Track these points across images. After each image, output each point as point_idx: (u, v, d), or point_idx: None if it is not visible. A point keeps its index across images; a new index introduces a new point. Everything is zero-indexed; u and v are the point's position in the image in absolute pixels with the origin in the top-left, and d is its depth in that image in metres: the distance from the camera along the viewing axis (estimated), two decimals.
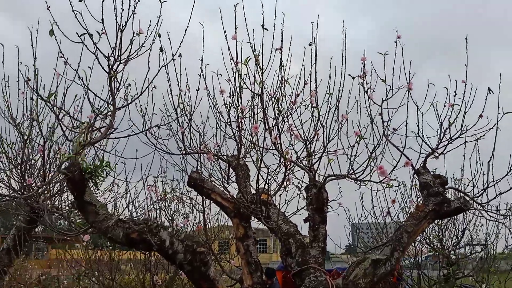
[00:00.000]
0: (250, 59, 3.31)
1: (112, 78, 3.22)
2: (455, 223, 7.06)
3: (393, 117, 4.20)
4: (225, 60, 4.32)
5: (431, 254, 7.71)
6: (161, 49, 4.04)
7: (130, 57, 3.45)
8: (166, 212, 7.28)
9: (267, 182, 3.18)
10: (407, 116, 3.62)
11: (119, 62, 3.31)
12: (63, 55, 3.06)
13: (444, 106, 3.79)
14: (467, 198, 4.12)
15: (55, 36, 2.98)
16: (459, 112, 3.82)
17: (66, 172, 2.70)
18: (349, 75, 4.22)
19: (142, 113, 4.29)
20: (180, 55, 4.62)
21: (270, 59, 3.95)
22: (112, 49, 3.13)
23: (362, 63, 3.82)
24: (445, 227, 6.99)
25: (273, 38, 4.02)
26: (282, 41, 4.28)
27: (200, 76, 4.55)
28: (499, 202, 5.07)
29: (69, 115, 3.20)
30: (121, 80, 3.27)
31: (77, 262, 7.43)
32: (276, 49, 4.15)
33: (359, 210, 5.70)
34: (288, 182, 3.19)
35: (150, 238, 2.89)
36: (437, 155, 3.75)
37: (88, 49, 3.27)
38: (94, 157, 4.27)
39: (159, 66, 3.50)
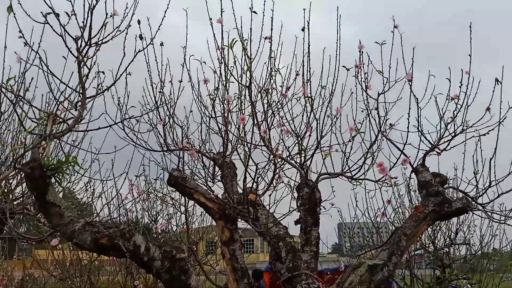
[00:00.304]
0: (236, 41, 2.97)
1: (82, 63, 2.86)
2: (447, 224, 6.84)
3: (391, 112, 3.93)
4: (210, 52, 4.02)
5: (417, 253, 7.47)
6: (140, 37, 3.69)
7: (102, 41, 3.10)
8: (149, 213, 6.93)
9: (256, 180, 2.86)
10: (409, 108, 3.32)
11: (89, 45, 2.95)
12: (23, 35, 2.70)
13: (446, 99, 3.50)
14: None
15: (14, 14, 2.61)
16: (461, 106, 3.55)
17: (23, 168, 2.34)
18: (344, 66, 3.93)
19: (120, 105, 3.92)
20: (161, 44, 4.31)
21: (259, 47, 3.65)
22: (81, 29, 2.77)
23: (359, 51, 3.52)
24: (438, 227, 6.76)
25: (263, 24, 3.72)
26: (271, 29, 3.99)
27: (183, 66, 4.22)
28: (494, 202, 4.85)
29: (30, 104, 2.84)
30: (91, 65, 2.91)
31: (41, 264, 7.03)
32: (266, 38, 3.85)
33: (352, 210, 5.40)
34: (279, 180, 2.86)
35: (122, 243, 2.54)
36: (439, 151, 3.45)
37: (54, 30, 2.90)
38: (68, 152, 3.90)
39: (136, 51, 3.14)
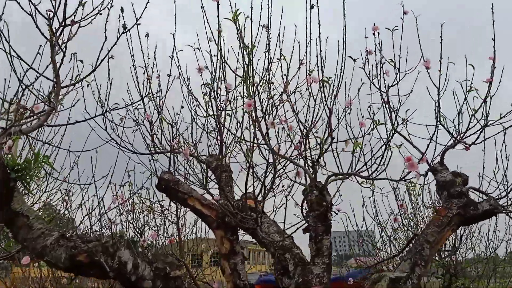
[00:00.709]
0: (240, 13, 2.55)
1: (55, 46, 2.41)
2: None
3: (403, 106, 3.57)
4: (201, 45, 3.62)
5: None
6: (124, 27, 3.26)
7: (80, 23, 2.66)
8: (135, 225, 6.41)
9: (264, 181, 2.41)
10: (438, 95, 2.94)
11: (64, 25, 2.51)
12: None
13: (469, 89, 3.13)
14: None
15: None
16: (485, 96, 3.18)
17: None
18: (350, 56, 3.56)
19: (101, 102, 3.45)
20: (147, 35, 3.90)
21: (257, 35, 3.25)
22: (53, 1, 2.33)
23: (373, 33, 3.14)
24: None
25: (261, 8, 3.32)
26: (269, 17, 3.62)
27: (171, 58, 3.79)
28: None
29: None
30: (65, 47, 2.45)
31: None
32: (263, 26, 3.46)
33: (361, 215, 4.99)
34: (298, 177, 2.42)
35: (105, 260, 2.08)
36: (467, 145, 3.07)
37: (22, 7, 2.46)
38: (38, 150, 3.40)
39: (119, 33, 2.71)
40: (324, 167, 2.82)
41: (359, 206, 5.70)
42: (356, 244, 5.66)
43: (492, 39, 3.18)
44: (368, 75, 3.55)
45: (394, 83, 3.45)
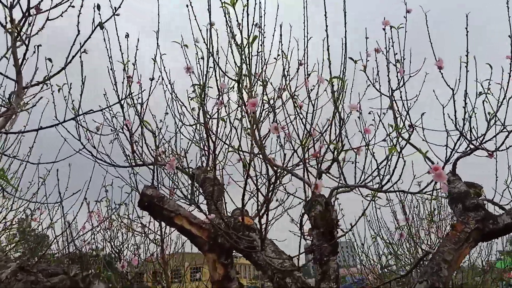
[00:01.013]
0: None
1: (17, 38, 2.02)
2: None
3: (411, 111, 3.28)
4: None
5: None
6: (100, 26, 2.89)
7: (48, 17, 2.27)
8: (113, 243, 5.94)
9: (269, 197, 2.04)
10: (464, 100, 2.63)
11: (27, 15, 2.12)
12: None
13: (488, 88, 2.85)
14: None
15: None
16: (500, 100, 2.90)
17: None
18: (350, 58, 3.26)
19: (74, 109, 3.03)
20: (127, 36, 3.54)
21: (253, 31, 2.92)
22: None
23: (383, 28, 2.84)
24: None
25: (255, 4, 3.00)
26: (262, 15, 3.32)
27: (154, 60, 3.43)
28: None
29: None
30: (28, 40, 2.06)
31: None
32: (255, 25, 3.14)
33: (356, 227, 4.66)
34: (316, 190, 2.06)
35: None
36: (491, 152, 2.76)
37: None
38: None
39: (94, 25, 2.34)
40: (339, 179, 2.46)
41: (352, 218, 5.39)
42: (351, 256, 5.35)
43: (509, 36, 2.91)
44: (372, 80, 3.27)
45: (400, 86, 3.17)
